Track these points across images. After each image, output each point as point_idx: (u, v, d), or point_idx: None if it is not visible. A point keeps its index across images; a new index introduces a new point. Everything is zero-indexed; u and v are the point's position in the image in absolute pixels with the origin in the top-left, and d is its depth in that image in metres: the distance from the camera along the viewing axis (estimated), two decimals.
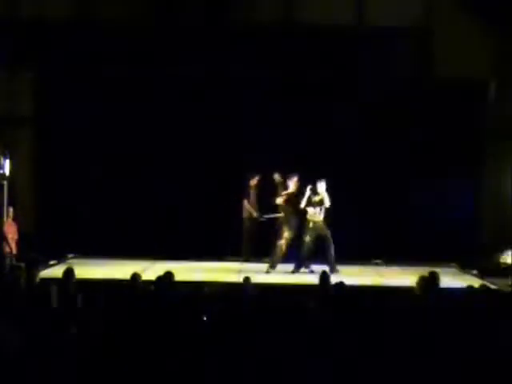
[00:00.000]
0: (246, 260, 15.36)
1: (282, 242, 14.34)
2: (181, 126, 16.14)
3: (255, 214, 15.59)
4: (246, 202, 15.70)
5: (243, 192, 15.63)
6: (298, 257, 14.25)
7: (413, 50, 15.99)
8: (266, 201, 15.19)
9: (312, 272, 13.83)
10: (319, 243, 14.21)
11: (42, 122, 16.53)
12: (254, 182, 15.65)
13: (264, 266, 14.41)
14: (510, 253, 15.28)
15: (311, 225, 14.19)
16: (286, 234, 14.34)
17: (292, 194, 14.41)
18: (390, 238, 15.50)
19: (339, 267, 14.00)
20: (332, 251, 14.05)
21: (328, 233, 14.13)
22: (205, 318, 7.46)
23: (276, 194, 14.70)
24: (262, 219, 15.54)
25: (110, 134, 16.09)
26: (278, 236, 14.47)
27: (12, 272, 9.56)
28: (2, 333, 6.42)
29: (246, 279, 9.78)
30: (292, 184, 14.42)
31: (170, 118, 16.15)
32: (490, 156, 16.28)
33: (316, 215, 14.19)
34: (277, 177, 14.89)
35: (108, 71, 16.06)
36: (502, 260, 15.31)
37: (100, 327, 7.15)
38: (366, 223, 15.48)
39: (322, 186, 14.12)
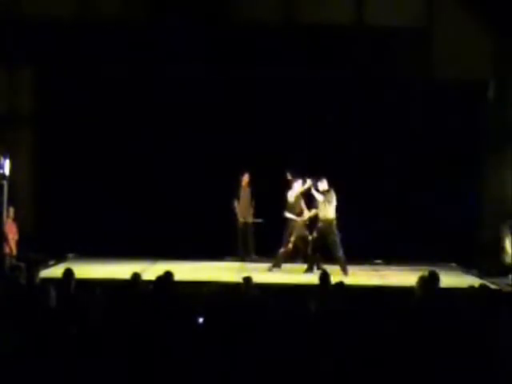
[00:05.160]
0: (242, 260, 15.41)
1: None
2: (180, 126, 16.14)
3: (241, 217, 15.54)
4: (235, 203, 15.63)
5: (234, 191, 15.63)
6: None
7: (413, 50, 15.99)
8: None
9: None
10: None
11: (42, 122, 16.54)
12: (245, 180, 15.58)
13: (263, 266, 14.49)
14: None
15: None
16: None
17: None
18: (390, 238, 15.50)
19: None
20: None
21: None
22: (200, 320, 7.45)
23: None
24: (256, 221, 15.58)
25: (110, 134, 16.10)
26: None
27: (12, 272, 9.56)
28: (1, 333, 6.42)
29: (247, 279, 9.75)
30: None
31: (170, 118, 16.16)
32: (490, 156, 16.27)
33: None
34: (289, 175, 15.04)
35: (108, 71, 16.07)
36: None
37: (100, 327, 7.15)
38: (366, 223, 15.48)
39: (323, 185, 14.13)
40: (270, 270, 14.27)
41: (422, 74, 16.05)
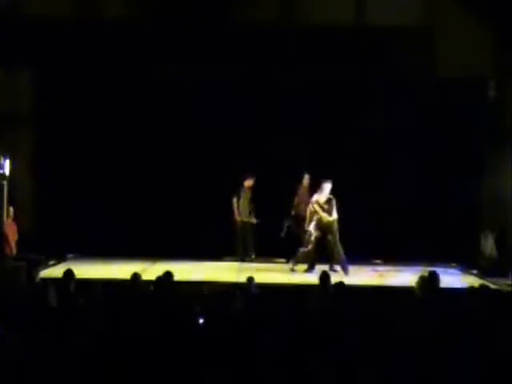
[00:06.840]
0: (242, 260, 15.44)
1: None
2: (179, 126, 16.14)
3: (240, 216, 15.58)
4: (234, 201, 15.66)
5: (235, 192, 15.67)
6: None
7: (413, 49, 15.98)
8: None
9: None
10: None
11: (42, 122, 16.53)
12: (249, 183, 15.64)
13: (262, 266, 14.52)
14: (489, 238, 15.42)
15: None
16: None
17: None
18: (390, 237, 15.50)
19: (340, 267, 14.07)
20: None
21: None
22: (201, 321, 7.45)
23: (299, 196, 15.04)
24: (254, 221, 15.62)
25: (110, 134, 16.08)
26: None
27: (12, 272, 9.57)
28: (1, 333, 6.42)
29: (250, 279, 9.77)
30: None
31: (170, 117, 16.16)
32: (490, 156, 16.27)
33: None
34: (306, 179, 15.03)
35: (108, 71, 16.06)
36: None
37: (100, 327, 7.15)
38: (366, 223, 15.48)
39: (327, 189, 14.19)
40: (292, 269, 14.34)
41: (422, 73, 16.03)
